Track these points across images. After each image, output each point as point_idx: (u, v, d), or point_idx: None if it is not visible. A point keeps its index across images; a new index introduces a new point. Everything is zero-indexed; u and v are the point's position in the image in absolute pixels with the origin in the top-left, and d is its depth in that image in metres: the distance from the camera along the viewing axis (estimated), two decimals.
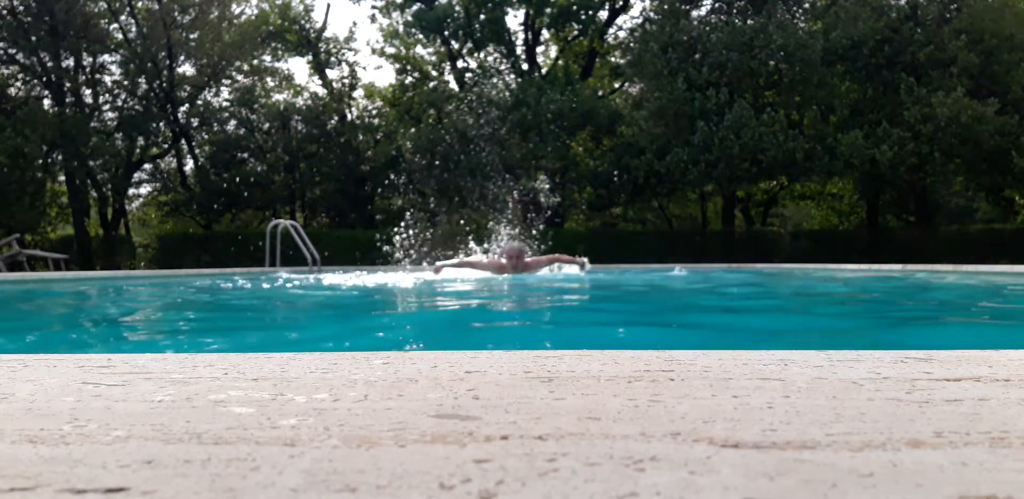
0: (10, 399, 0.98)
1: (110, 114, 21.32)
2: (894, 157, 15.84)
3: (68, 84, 19.80)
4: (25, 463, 0.67)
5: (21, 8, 18.92)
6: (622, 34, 23.81)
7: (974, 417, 0.83)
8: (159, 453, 0.69)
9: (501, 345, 2.66)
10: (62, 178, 20.24)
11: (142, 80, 20.60)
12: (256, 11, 23.35)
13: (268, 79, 24.28)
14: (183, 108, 21.91)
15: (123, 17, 21.02)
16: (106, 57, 20.76)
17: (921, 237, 18.43)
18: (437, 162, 18.93)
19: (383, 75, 74.25)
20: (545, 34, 23.51)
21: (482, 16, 20.76)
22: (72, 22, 18.70)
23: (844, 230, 22.99)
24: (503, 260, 8.20)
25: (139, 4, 21.32)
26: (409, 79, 24.73)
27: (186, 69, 22.22)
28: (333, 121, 22.18)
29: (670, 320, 3.73)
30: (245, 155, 21.97)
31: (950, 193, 21.92)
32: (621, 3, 22.35)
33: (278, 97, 24.00)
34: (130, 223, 23.89)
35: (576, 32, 22.93)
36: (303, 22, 24.02)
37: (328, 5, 35.11)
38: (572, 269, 8.98)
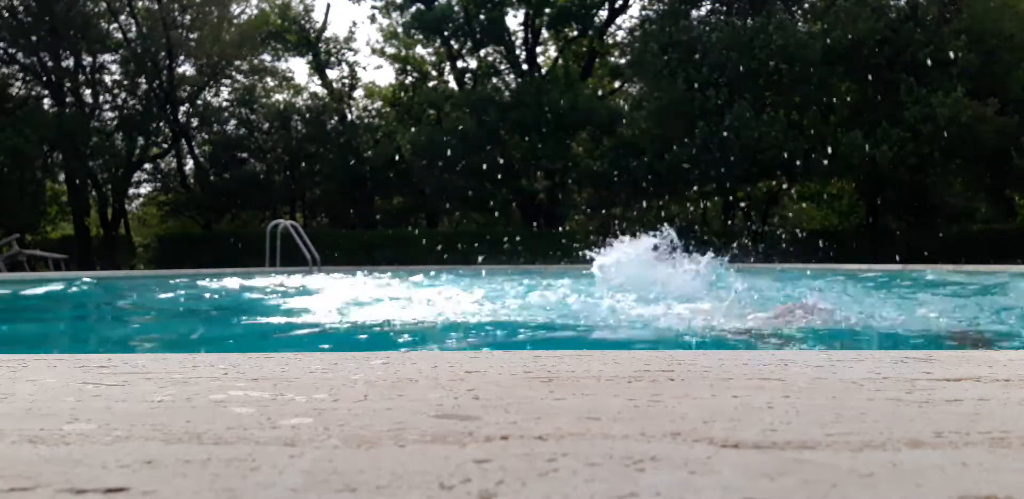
0: (10, 399, 0.98)
1: (110, 114, 21.32)
2: (894, 157, 15.83)
3: (68, 84, 19.79)
4: (25, 463, 0.67)
5: (21, 8, 18.90)
6: (622, 34, 23.82)
7: (974, 417, 0.83)
8: (159, 453, 0.69)
9: None
10: (62, 178, 20.23)
11: (142, 80, 20.59)
12: (256, 11, 23.34)
13: (268, 79, 24.27)
14: (183, 108, 21.90)
15: (123, 17, 21.01)
16: (106, 57, 20.76)
17: (921, 237, 18.41)
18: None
19: (383, 75, 74.26)
20: (545, 34, 23.50)
21: (482, 16, 20.75)
22: (72, 22, 18.68)
23: (844, 230, 22.97)
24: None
25: (139, 4, 21.30)
26: (409, 79, 24.72)
27: (186, 69, 22.22)
28: (333, 121, 22.18)
29: None
30: (245, 155, 21.96)
31: (950, 193, 21.91)
32: (621, 3, 22.35)
33: (278, 97, 24.00)
34: (130, 223, 23.87)
35: (576, 32, 22.92)
36: (303, 22, 24.01)
37: (328, 5, 35.08)
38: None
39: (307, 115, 21.62)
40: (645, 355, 1.32)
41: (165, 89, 20.89)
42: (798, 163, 16.56)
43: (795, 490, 0.58)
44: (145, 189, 24.74)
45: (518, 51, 22.43)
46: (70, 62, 19.92)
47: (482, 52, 22.18)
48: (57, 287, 7.90)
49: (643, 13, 20.99)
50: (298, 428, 0.79)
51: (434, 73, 24.63)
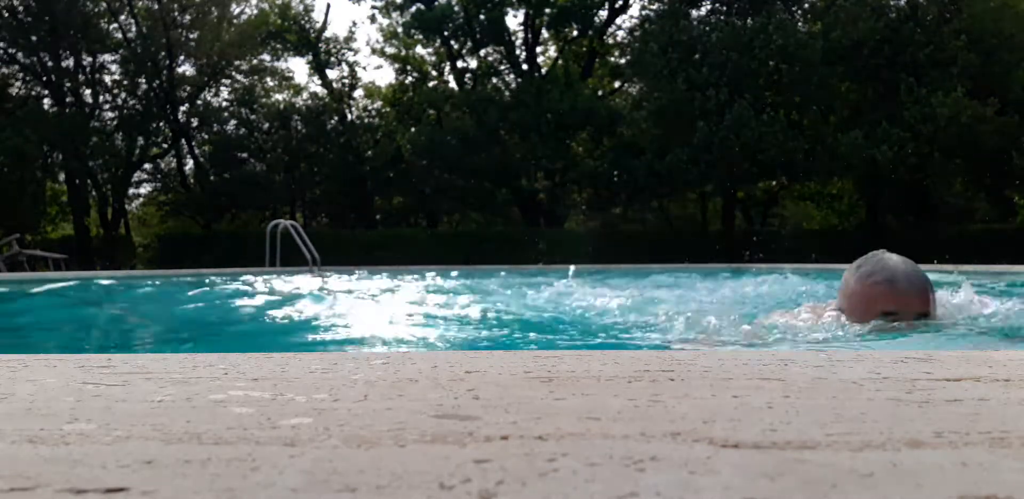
0: (10, 399, 0.98)
1: (110, 114, 21.35)
2: (894, 157, 15.84)
3: (68, 84, 19.80)
4: (25, 463, 0.66)
5: (21, 8, 18.91)
6: (622, 34, 23.83)
7: (974, 417, 0.83)
8: (159, 453, 0.69)
9: None
10: (62, 178, 20.25)
11: (142, 80, 20.60)
12: (256, 11, 23.35)
13: (268, 79, 24.28)
14: (183, 108, 21.91)
15: (123, 17, 21.02)
16: (106, 57, 20.78)
17: (921, 237, 18.42)
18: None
19: (383, 75, 74.25)
20: (545, 34, 23.51)
21: (482, 16, 20.76)
22: (72, 22, 18.69)
23: (844, 230, 22.96)
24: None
25: (139, 4, 21.31)
26: (409, 79, 24.73)
27: (186, 69, 22.23)
28: (333, 121, 22.19)
29: None
30: (245, 155, 21.98)
31: (950, 193, 21.93)
32: (621, 3, 22.35)
33: (278, 97, 24.02)
34: (130, 223, 23.89)
35: (576, 32, 22.93)
36: (303, 22, 24.02)
37: (328, 5, 35.14)
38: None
39: (307, 115, 21.64)
40: (645, 355, 1.32)
41: (165, 89, 20.89)
42: (798, 163, 16.57)
43: (795, 490, 0.58)
44: (145, 189, 24.80)
45: (518, 51, 22.44)
46: (70, 62, 19.93)
47: (482, 52, 22.20)
48: (56, 287, 7.91)
49: (643, 13, 21.01)
50: (298, 428, 0.79)
51: (434, 73, 24.63)
